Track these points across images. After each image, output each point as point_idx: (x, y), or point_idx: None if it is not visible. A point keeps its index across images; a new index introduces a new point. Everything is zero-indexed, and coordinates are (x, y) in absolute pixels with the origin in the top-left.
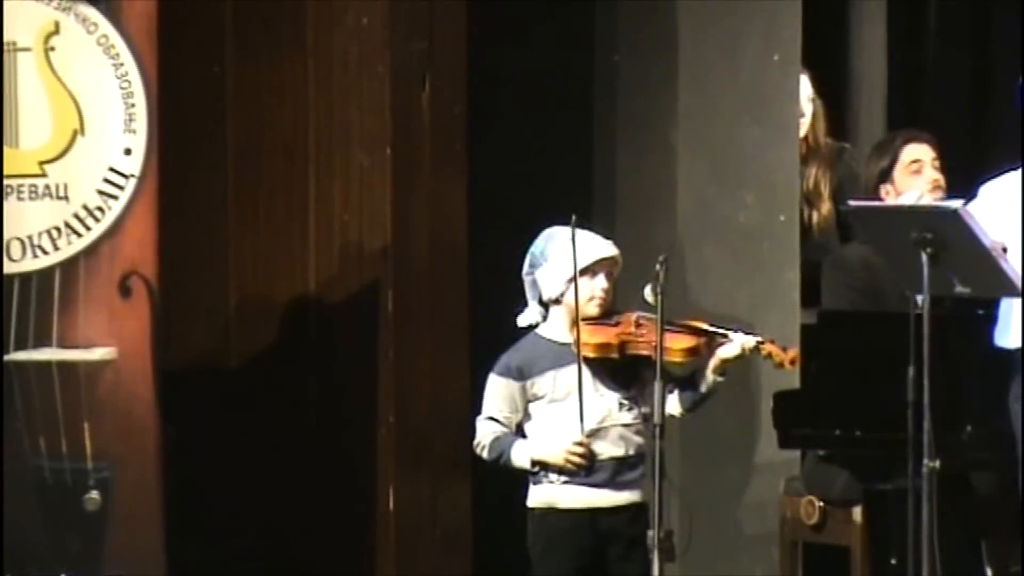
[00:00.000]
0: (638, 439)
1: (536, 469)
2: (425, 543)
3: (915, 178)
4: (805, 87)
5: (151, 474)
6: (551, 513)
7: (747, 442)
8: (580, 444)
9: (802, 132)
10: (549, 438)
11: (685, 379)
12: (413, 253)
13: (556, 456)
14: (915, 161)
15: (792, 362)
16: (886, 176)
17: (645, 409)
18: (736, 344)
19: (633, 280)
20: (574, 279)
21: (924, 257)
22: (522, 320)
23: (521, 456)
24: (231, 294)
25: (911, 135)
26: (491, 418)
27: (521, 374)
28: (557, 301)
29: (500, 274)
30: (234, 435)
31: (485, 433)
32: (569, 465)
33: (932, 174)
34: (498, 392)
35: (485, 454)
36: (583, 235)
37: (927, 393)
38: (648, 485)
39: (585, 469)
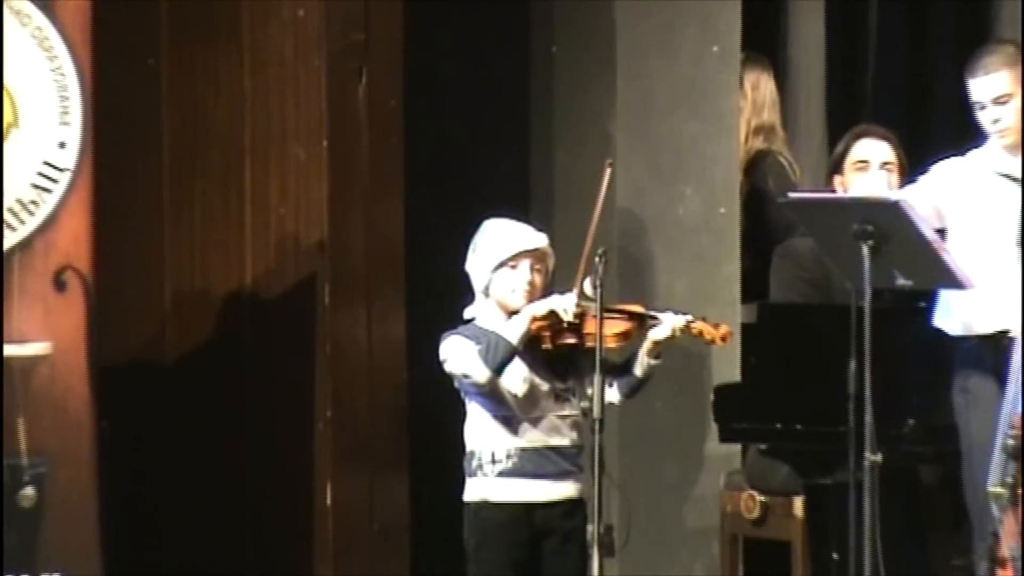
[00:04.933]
0: (573, 432)
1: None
2: (363, 539)
3: (859, 176)
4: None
5: (86, 470)
6: (485, 507)
7: (687, 436)
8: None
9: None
10: (489, 429)
11: (621, 366)
12: (350, 247)
13: (553, 299)
14: (862, 161)
15: (724, 338)
16: (838, 167)
17: (584, 403)
18: (667, 325)
19: (569, 273)
20: (497, 269)
21: (865, 249)
22: (468, 311)
23: (515, 325)
24: (166, 288)
25: (866, 131)
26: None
27: (475, 343)
28: (486, 292)
29: (437, 268)
30: (170, 431)
31: (472, 353)
32: (563, 309)
33: (878, 176)
34: (463, 341)
35: (483, 364)
36: (510, 226)
37: (868, 386)
38: (586, 479)
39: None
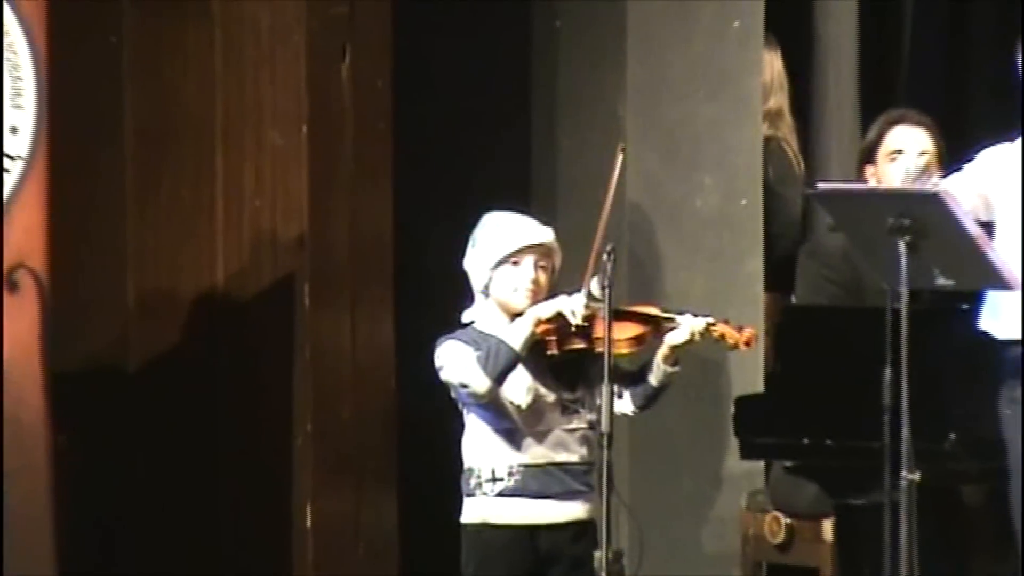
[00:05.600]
0: (583, 448)
1: (534, 327)
2: (347, 562)
3: (894, 167)
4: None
5: (41, 487)
6: (485, 529)
7: (705, 451)
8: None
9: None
10: (489, 444)
11: (634, 374)
12: (332, 242)
13: (560, 300)
14: (897, 151)
15: (748, 343)
16: (870, 156)
17: (592, 416)
18: (685, 328)
19: (576, 271)
20: (498, 267)
21: (902, 246)
22: (466, 314)
23: (518, 329)
24: (130, 288)
25: (901, 116)
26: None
27: (474, 348)
28: (486, 292)
29: (429, 266)
30: (134, 445)
31: (470, 360)
32: (571, 311)
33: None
34: (461, 346)
35: (484, 373)
36: (513, 219)
37: (905, 397)
38: (595, 500)
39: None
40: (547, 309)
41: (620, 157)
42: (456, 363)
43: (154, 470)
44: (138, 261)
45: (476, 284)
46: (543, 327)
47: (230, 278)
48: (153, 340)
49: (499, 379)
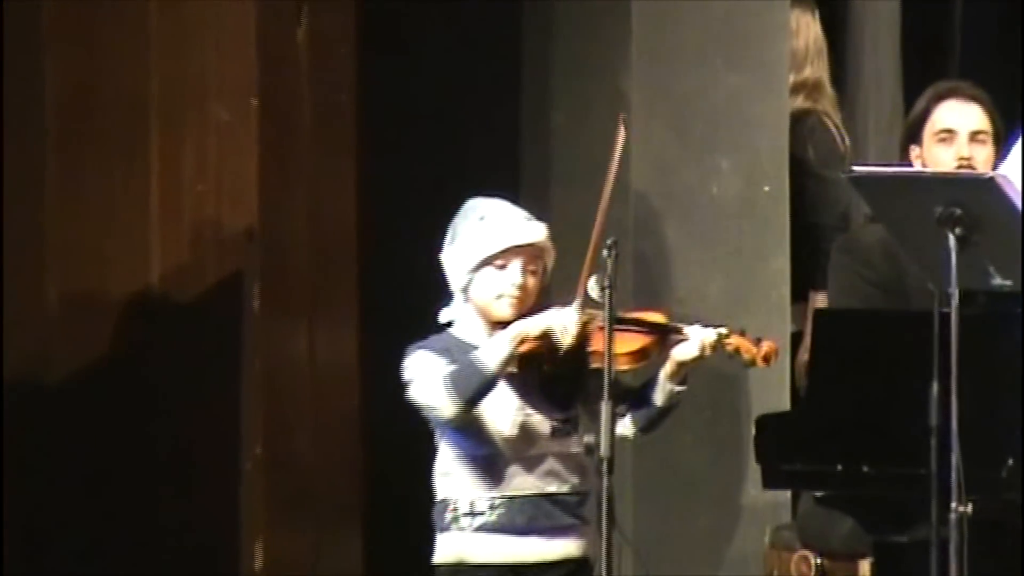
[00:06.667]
0: (576, 476)
1: (517, 346)
2: None
3: (942, 149)
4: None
5: None
6: (462, 570)
7: (722, 480)
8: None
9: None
10: (467, 473)
11: (637, 391)
12: (287, 236)
13: (549, 316)
14: (946, 130)
15: (766, 359)
16: (915, 136)
17: (589, 438)
18: (694, 341)
19: (571, 269)
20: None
21: (951, 240)
22: (444, 314)
23: (496, 348)
24: (50, 289)
25: (951, 90)
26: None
27: (448, 360)
28: (465, 294)
29: (401, 264)
30: (55, 470)
31: (437, 381)
32: (562, 329)
33: (963, 151)
34: (431, 358)
35: (452, 396)
36: (500, 212)
37: (955, 416)
38: (590, 534)
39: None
40: (533, 326)
41: (621, 131)
42: (424, 380)
43: (78, 500)
44: (60, 258)
45: (454, 283)
46: (528, 345)
47: (167, 277)
48: (78, 350)
49: (470, 404)
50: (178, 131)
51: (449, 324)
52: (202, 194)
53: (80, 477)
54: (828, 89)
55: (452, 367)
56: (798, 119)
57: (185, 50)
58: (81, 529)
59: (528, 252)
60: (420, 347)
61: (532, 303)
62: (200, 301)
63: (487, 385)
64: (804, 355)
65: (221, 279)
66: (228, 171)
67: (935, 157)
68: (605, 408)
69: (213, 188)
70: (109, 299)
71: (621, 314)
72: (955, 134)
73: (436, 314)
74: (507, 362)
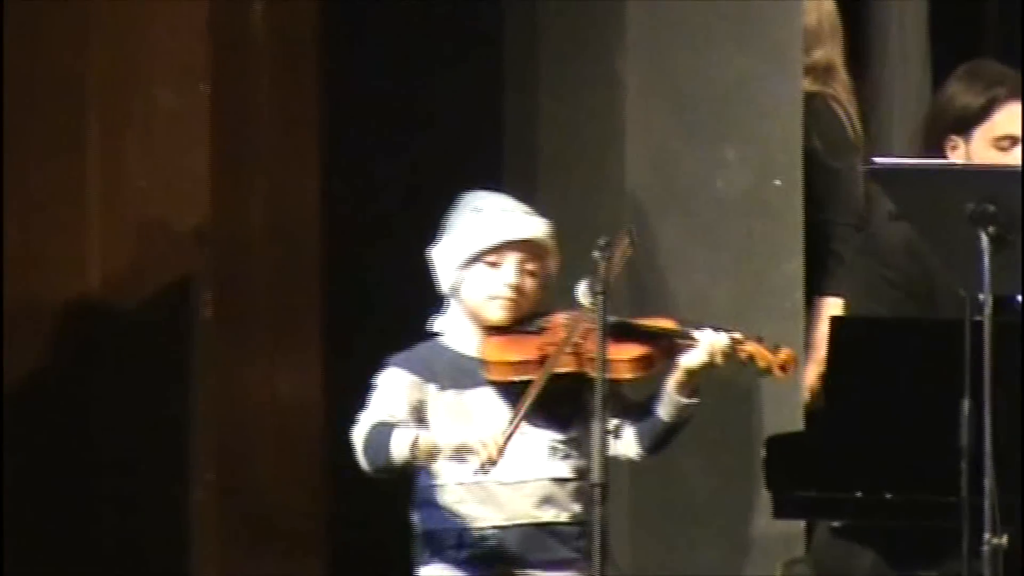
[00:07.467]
0: (576, 503)
1: (420, 460)
2: None
3: (999, 157)
4: None
5: None
6: None
7: (730, 508)
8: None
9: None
10: (450, 501)
11: (641, 406)
12: (242, 236)
13: (462, 441)
14: (1008, 138)
15: (783, 367)
16: (961, 128)
17: (584, 461)
18: (702, 348)
19: (561, 271)
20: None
21: (984, 240)
22: (437, 323)
23: (402, 440)
24: None
25: (1014, 89)
26: (376, 422)
27: (425, 378)
28: (455, 295)
29: (371, 268)
30: None
31: (362, 429)
32: (480, 452)
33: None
34: (392, 385)
35: (363, 458)
36: (497, 204)
37: (989, 438)
38: (587, 567)
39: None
40: (447, 444)
41: (625, 243)
42: (360, 418)
43: (13, 525)
44: None
45: (443, 283)
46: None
47: (107, 282)
48: (9, 361)
49: (379, 473)
50: (119, 118)
51: (438, 335)
52: (146, 190)
53: (12, 504)
54: (841, 73)
55: (375, 424)
56: (806, 103)
57: (128, 28)
58: (16, 554)
59: (526, 249)
60: (391, 362)
61: (529, 308)
62: (144, 310)
63: (389, 470)
64: (810, 368)
65: (168, 284)
66: (175, 163)
67: (987, 160)
68: (597, 427)
69: (159, 183)
70: (41, 306)
71: (622, 320)
72: (1018, 143)
73: (411, 321)
74: (407, 460)
